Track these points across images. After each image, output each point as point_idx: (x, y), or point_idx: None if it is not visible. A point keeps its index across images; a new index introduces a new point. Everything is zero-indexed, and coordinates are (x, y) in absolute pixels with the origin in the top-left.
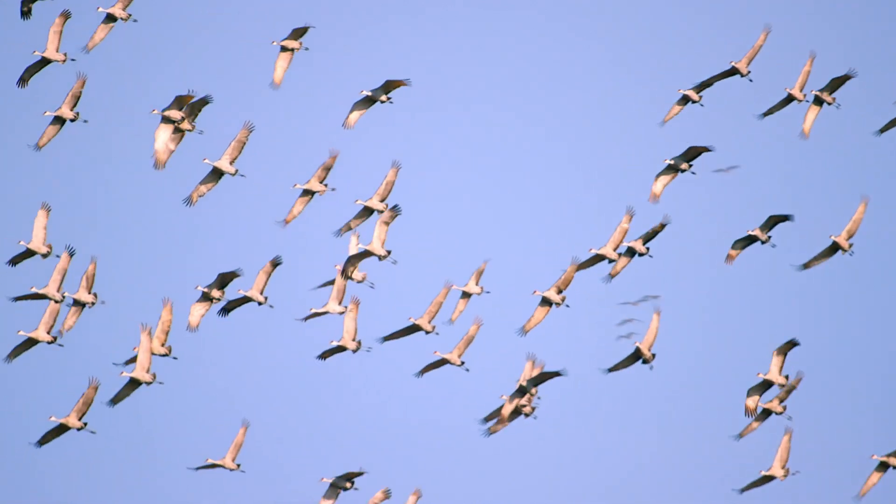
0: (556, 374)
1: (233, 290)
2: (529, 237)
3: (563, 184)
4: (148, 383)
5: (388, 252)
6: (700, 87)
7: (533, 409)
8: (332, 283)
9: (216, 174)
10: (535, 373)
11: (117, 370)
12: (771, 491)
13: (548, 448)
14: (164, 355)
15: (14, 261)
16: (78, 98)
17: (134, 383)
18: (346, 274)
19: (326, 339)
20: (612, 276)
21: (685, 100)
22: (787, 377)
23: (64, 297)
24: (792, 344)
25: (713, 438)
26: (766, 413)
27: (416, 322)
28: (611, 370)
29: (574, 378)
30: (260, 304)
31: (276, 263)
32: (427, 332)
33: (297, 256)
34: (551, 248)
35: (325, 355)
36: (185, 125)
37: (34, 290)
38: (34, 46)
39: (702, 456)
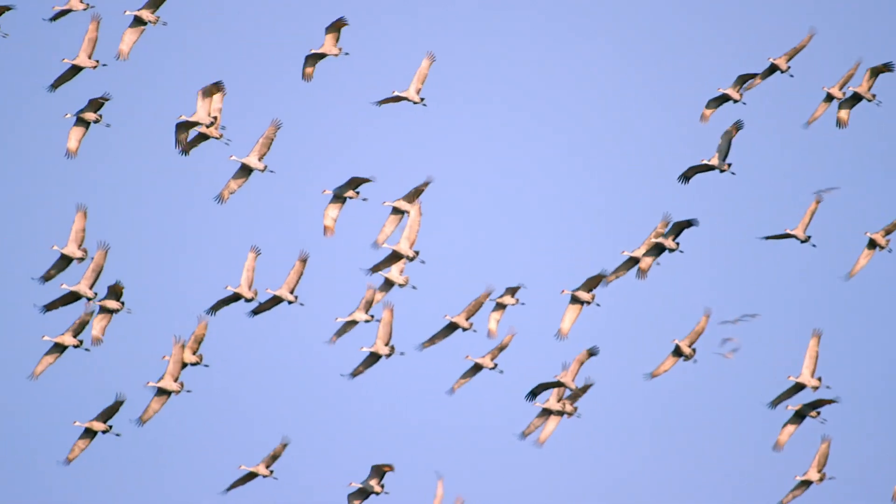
0: (591, 353)
1: (261, 290)
2: (560, 242)
3: (594, 187)
4: (176, 392)
5: (417, 253)
6: (740, 82)
7: (575, 408)
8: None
9: (245, 171)
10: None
11: (144, 379)
12: (806, 496)
13: (584, 454)
14: (195, 364)
15: (48, 276)
16: (101, 105)
17: (162, 393)
18: (375, 270)
19: (357, 344)
20: (642, 270)
21: (725, 98)
22: (819, 379)
23: (96, 294)
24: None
25: (745, 443)
26: (801, 417)
27: (454, 320)
28: (654, 375)
29: (614, 382)
30: (290, 302)
31: (304, 259)
32: (464, 330)
33: (330, 265)
34: (583, 252)
35: (356, 372)
36: (213, 132)
37: (64, 286)
38: (63, 54)
39: (733, 461)
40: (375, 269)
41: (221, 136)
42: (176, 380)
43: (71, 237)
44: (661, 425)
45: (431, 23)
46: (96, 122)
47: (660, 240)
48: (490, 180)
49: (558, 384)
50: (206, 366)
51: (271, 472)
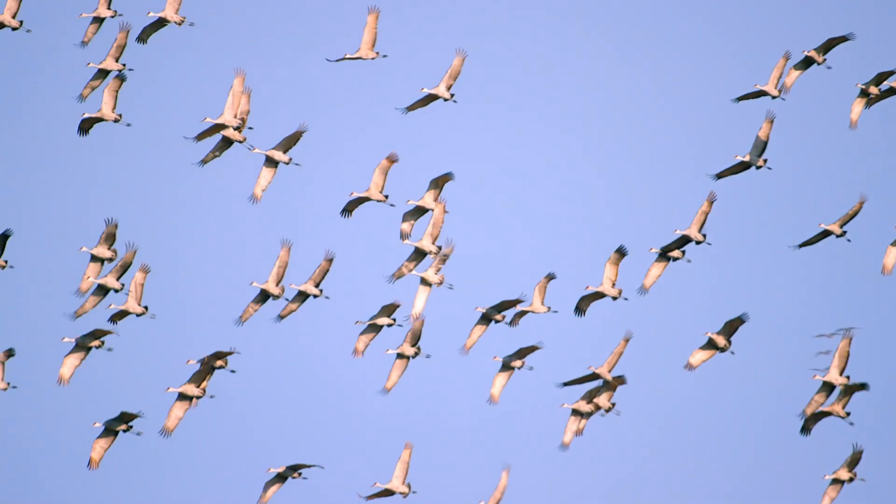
0: (627, 340)
1: (286, 285)
2: (584, 239)
3: (620, 184)
4: (197, 398)
5: (440, 248)
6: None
7: (613, 404)
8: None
9: (271, 164)
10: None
11: (167, 383)
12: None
13: (617, 448)
14: (220, 367)
15: (83, 289)
16: (121, 83)
17: (184, 399)
18: (398, 276)
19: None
20: (673, 259)
21: (762, 94)
22: (848, 378)
23: (123, 286)
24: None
25: (775, 442)
26: (826, 414)
27: (485, 311)
28: (692, 366)
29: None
30: (315, 296)
31: (330, 259)
32: (497, 322)
33: (352, 266)
34: (609, 248)
35: (389, 385)
36: (237, 135)
37: (91, 279)
38: (88, 59)
39: (763, 459)
40: (399, 274)
41: (245, 139)
42: (198, 386)
43: (101, 239)
44: (689, 422)
45: (455, 19)
46: (116, 121)
47: (685, 231)
48: (512, 178)
49: (594, 376)
50: (233, 371)
51: (299, 473)
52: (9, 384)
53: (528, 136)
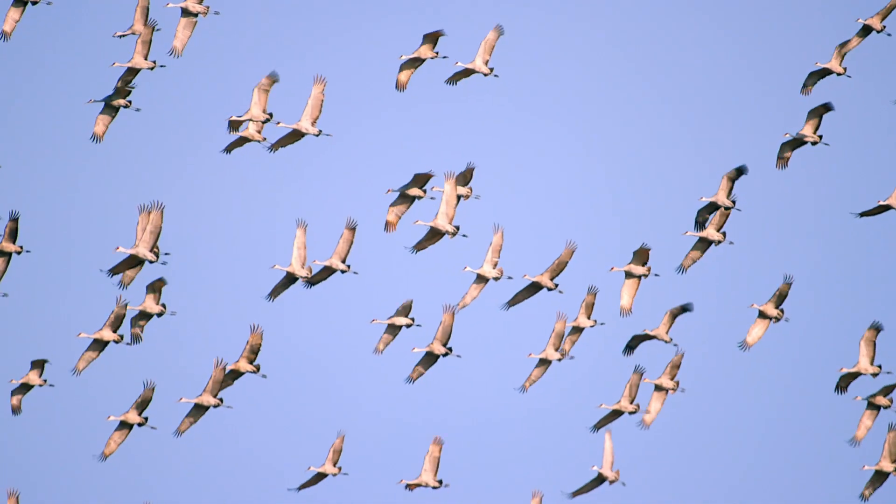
0: (685, 308)
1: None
2: (613, 222)
3: (645, 166)
4: (215, 407)
5: (457, 228)
6: (839, 55)
7: (677, 383)
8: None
9: (296, 136)
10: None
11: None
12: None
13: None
14: (252, 372)
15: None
16: (129, 92)
17: (199, 409)
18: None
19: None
20: (716, 243)
21: (824, 72)
22: (879, 367)
23: (158, 256)
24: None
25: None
26: (874, 408)
27: (536, 280)
28: (749, 344)
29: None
30: (343, 272)
31: (353, 228)
32: (550, 290)
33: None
34: (641, 232)
35: (415, 375)
36: (256, 135)
37: (121, 249)
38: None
39: (804, 454)
40: (419, 246)
41: (265, 139)
42: (215, 395)
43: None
44: (725, 417)
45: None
46: (126, 107)
47: (712, 198)
48: (534, 163)
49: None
50: (264, 376)
51: (340, 468)
52: (45, 381)
53: (543, 126)
